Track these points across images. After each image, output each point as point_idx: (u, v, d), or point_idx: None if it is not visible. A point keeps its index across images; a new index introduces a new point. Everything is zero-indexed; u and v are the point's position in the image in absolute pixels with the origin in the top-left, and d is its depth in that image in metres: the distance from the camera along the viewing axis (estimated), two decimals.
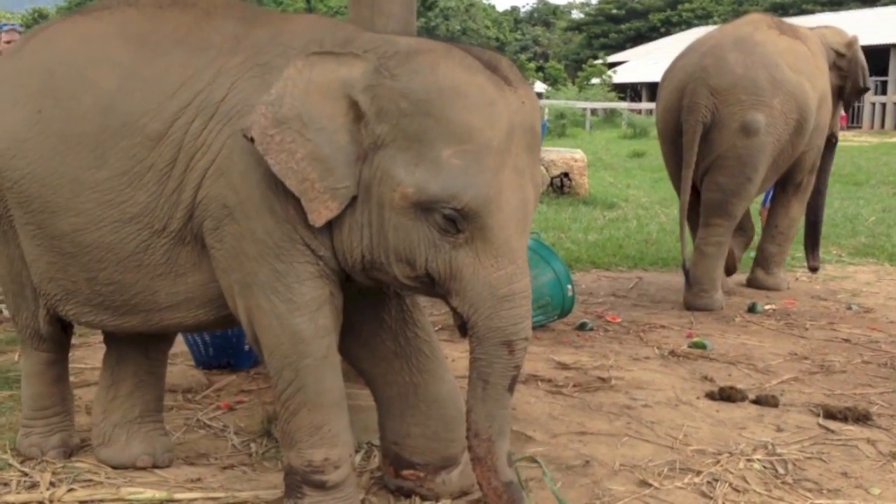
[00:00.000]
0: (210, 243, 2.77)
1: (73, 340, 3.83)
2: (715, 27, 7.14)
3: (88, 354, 4.78)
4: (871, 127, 31.96)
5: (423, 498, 3.11)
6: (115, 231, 2.81)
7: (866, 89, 7.28)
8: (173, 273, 2.86)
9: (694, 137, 6.12)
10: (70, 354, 3.53)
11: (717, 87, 6.10)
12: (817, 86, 6.53)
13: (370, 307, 3.00)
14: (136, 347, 3.32)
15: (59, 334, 3.29)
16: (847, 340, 5.63)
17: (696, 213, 6.53)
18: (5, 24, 6.91)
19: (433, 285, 2.62)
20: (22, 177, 2.89)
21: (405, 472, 3.13)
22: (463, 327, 2.64)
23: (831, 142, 7.07)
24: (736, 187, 6.23)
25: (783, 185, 6.96)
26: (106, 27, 2.93)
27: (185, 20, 2.89)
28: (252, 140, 2.54)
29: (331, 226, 2.63)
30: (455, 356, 5.02)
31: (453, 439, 3.08)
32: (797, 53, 6.50)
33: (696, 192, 6.48)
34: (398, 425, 3.09)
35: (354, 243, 2.64)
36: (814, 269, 7.43)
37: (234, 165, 2.67)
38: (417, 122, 2.49)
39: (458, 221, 2.50)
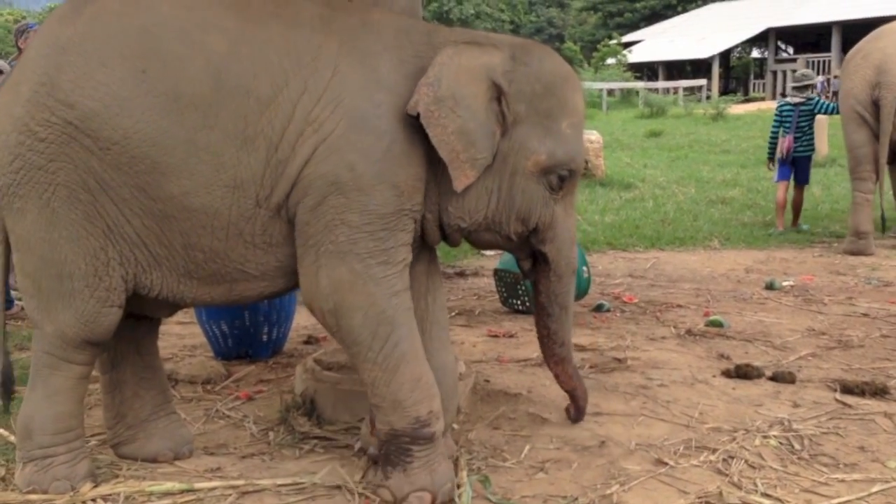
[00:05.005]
0: (305, 219, 2.87)
1: None
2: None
3: None
4: None
5: None
6: (224, 196, 2.84)
7: None
8: (267, 244, 2.95)
9: (892, 110, 7.52)
10: None
11: None
12: None
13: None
14: (128, 347, 3.30)
15: (114, 328, 3.02)
16: (866, 315, 5.61)
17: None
18: (33, 24, 6.94)
19: (527, 240, 3.19)
20: (126, 136, 2.79)
21: None
22: (531, 271, 3.32)
23: None
24: None
25: None
26: None
27: None
28: (418, 115, 2.85)
29: (442, 194, 2.99)
30: (473, 340, 5.07)
31: (448, 408, 3.28)
32: None
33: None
34: None
35: (480, 207, 3.05)
36: None
37: (351, 144, 2.83)
38: (546, 102, 3.05)
39: (565, 180, 3.13)
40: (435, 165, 2.94)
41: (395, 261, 2.92)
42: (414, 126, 2.89)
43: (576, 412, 3.68)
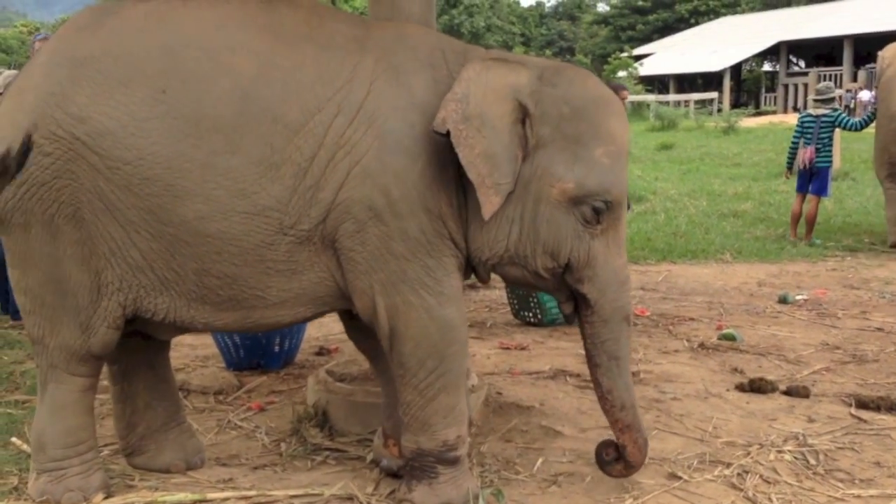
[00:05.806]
0: (349, 246, 2.81)
1: None
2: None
3: None
4: None
5: None
6: (243, 223, 2.75)
7: None
8: (290, 271, 2.85)
9: None
10: None
11: None
12: None
13: None
14: (140, 360, 3.26)
15: (113, 345, 2.98)
16: (880, 329, 5.57)
17: None
18: (40, 34, 7.01)
19: (561, 277, 2.93)
20: (140, 157, 2.71)
21: None
22: (572, 315, 3.01)
23: None
24: None
25: None
26: (229, 14, 2.85)
27: (300, 17, 2.91)
28: (447, 134, 2.72)
29: (470, 222, 2.86)
30: (485, 353, 5.06)
31: None
32: None
33: None
34: None
35: (500, 237, 2.88)
36: None
37: (385, 167, 2.76)
38: (575, 126, 2.84)
39: (601, 213, 2.87)
40: (461, 191, 2.84)
41: (449, 292, 2.86)
42: (446, 149, 2.76)
43: (621, 472, 3.16)
